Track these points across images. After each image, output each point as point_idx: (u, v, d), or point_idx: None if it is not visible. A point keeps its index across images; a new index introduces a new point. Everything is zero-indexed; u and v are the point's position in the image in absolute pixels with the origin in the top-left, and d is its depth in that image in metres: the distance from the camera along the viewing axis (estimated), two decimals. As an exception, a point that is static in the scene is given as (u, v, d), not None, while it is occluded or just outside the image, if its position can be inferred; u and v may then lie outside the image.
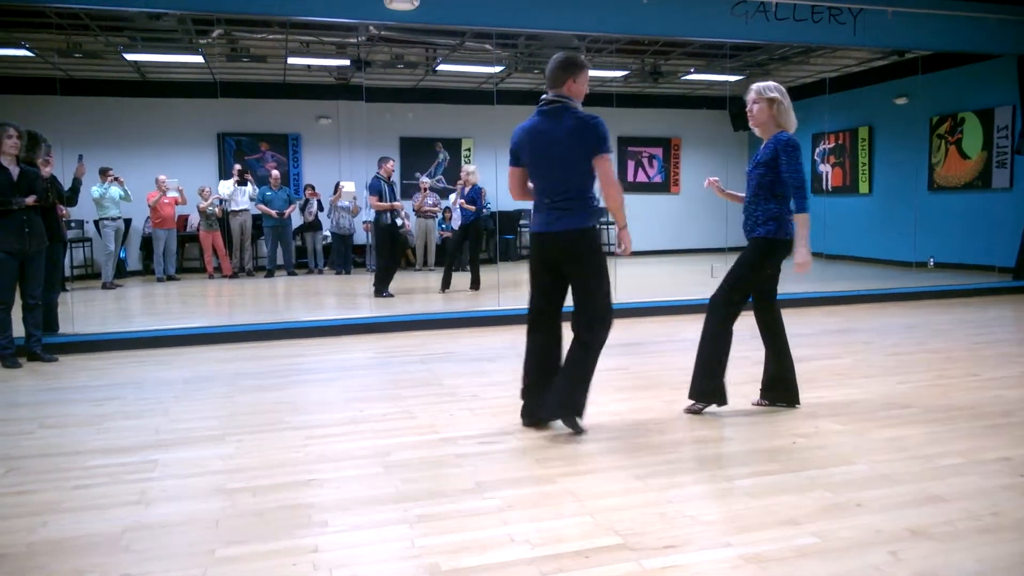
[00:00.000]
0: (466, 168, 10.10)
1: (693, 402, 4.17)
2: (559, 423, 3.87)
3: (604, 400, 4.53)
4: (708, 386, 4.09)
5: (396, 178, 13.92)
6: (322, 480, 3.25)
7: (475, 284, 9.81)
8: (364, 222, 10.63)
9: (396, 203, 9.86)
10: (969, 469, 3.25)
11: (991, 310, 8.06)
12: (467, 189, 9.86)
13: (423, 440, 3.79)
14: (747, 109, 4.07)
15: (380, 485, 3.19)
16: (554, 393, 3.79)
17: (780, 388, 4.25)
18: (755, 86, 4.07)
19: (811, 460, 3.39)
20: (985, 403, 4.32)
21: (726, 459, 3.45)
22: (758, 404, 4.30)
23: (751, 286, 4.13)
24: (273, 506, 2.97)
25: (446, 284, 9.73)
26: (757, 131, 4.10)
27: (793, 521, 2.74)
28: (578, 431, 3.78)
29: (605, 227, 14.72)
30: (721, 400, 4.10)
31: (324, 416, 4.29)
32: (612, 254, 4.07)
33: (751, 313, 4.22)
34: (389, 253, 9.54)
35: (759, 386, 4.32)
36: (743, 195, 4.25)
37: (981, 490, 3.01)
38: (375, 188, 9.38)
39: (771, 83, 4.07)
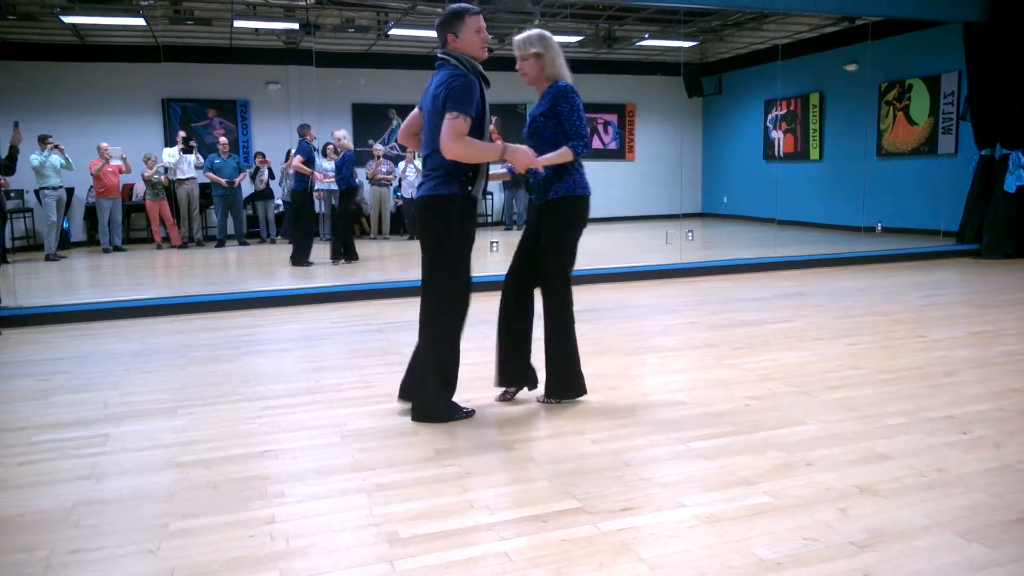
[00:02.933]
0: (337, 133, 9.72)
1: (551, 399, 3.80)
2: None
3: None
4: (571, 376, 3.76)
5: (349, 145, 13.76)
6: (277, 451, 3.22)
7: (347, 255, 9.56)
8: (318, 191, 10.45)
9: (317, 173, 9.83)
10: (915, 427, 3.35)
11: (936, 273, 8.28)
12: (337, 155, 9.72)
13: (380, 409, 3.77)
14: (516, 68, 3.66)
15: (337, 455, 3.17)
16: (413, 396, 3.59)
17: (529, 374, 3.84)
18: (517, 40, 3.64)
19: (763, 422, 3.46)
20: (930, 363, 4.45)
21: (681, 422, 3.50)
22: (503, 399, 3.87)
23: (573, 258, 3.72)
24: (228, 478, 2.94)
25: (351, 255, 9.57)
26: (534, 89, 3.71)
27: (746, 481, 2.80)
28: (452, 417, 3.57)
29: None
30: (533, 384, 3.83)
31: (279, 387, 4.24)
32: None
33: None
34: (312, 221, 9.53)
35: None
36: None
37: (926, 447, 3.11)
38: (307, 151, 9.28)
39: (534, 34, 3.65)
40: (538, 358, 3.79)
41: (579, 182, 3.64)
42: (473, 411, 3.64)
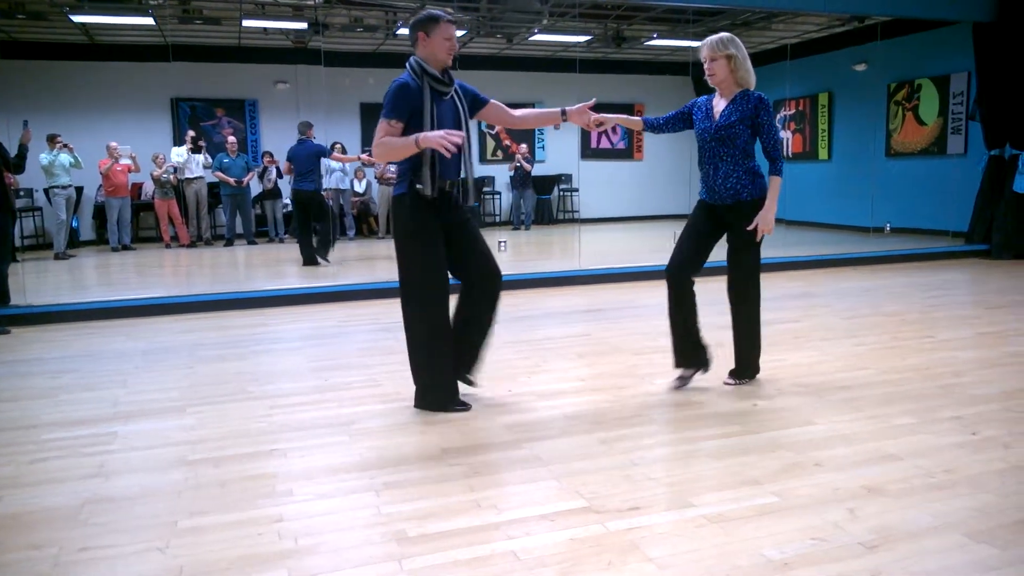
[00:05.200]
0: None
1: (739, 380, 4.05)
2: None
3: (567, 366, 4.56)
4: (755, 359, 4.06)
5: (356, 145, 13.81)
6: (286, 450, 3.23)
7: None
8: (326, 190, 10.42)
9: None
10: (923, 428, 3.34)
11: (944, 273, 8.25)
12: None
13: (388, 408, 3.78)
14: (705, 67, 3.84)
15: (345, 453, 3.18)
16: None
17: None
18: (709, 41, 3.81)
19: (771, 422, 3.46)
20: (938, 364, 4.43)
21: (689, 422, 3.49)
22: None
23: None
24: (236, 476, 2.95)
25: None
26: (718, 89, 3.89)
27: (754, 481, 2.79)
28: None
29: (569, 193, 14.78)
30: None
31: (287, 385, 4.25)
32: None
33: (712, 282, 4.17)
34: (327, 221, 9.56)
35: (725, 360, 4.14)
36: (638, 119, 4.15)
37: (934, 448, 3.10)
38: (317, 151, 9.28)
39: (725, 35, 3.82)
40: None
41: (765, 183, 3.83)
42: (468, 406, 3.71)
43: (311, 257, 9.26)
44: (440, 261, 3.62)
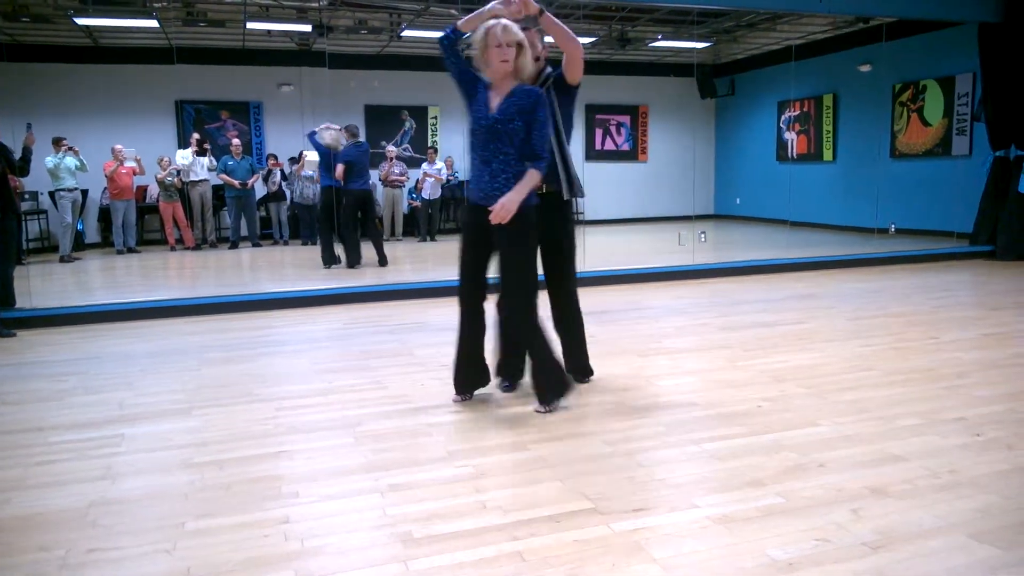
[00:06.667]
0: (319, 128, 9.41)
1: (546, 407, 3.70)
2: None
3: (573, 367, 4.56)
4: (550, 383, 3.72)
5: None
6: (292, 452, 3.24)
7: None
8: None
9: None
10: (927, 429, 3.34)
11: (949, 275, 8.23)
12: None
13: (394, 410, 3.79)
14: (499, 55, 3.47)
15: (351, 455, 3.19)
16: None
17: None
18: (507, 24, 3.46)
19: (776, 423, 3.46)
20: (942, 365, 4.43)
21: (693, 424, 3.50)
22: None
23: (535, 268, 3.69)
24: (242, 478, 2.96)
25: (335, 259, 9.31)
26: (494, 79, 3.54)
27: (758, 482, 2.80)
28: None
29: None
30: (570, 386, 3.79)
31: (293, 388, 4.27)
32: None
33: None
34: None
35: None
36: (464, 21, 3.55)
37: (939, 449, 3.10)
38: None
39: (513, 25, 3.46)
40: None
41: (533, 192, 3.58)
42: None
43: (383, 258, 9.14)
44: None
